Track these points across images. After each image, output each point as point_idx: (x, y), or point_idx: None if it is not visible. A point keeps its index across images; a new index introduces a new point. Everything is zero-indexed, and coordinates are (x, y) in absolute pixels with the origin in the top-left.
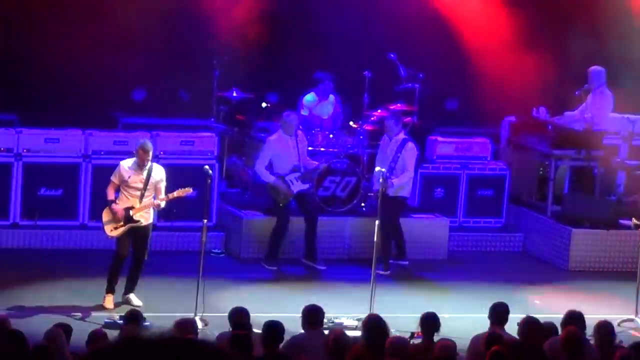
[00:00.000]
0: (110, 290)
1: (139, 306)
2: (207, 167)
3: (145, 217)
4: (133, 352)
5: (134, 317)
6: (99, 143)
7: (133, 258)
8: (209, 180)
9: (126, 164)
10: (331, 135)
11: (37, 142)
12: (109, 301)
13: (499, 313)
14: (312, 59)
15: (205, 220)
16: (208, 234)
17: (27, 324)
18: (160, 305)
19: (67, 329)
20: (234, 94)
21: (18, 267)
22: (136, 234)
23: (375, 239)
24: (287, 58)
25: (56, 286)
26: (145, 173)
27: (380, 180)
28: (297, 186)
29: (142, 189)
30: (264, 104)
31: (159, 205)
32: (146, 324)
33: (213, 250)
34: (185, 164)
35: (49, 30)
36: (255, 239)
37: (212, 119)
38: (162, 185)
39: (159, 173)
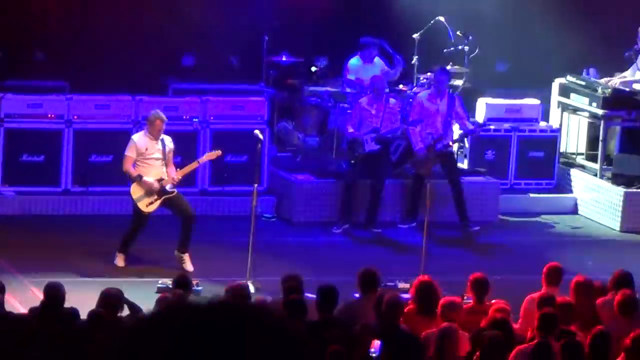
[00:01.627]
0: (125, 251)
1: (190, 271)
2: (257, 131)
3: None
4: (183, 317)
5: (185, 283)
6: (149, 109)
7: (183, 220)
8: (259, 145)
9: (139, 137)
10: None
11: (88, 109)
12: (121, 260)
13: (552, 274)
14: (361, 22)
15: (256, 185)
16: (259, 198)
17: (81, 290)
18: (212, 271)
19: (118, 295)
20: (283, 58)
21: (70, 234)
22: (172, 201)
23: (427, 200)
24: (336, 21)
25: (108, 252)
26: (159, 142)
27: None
28: (370, 146)
29: (162, 159)
30: (313, 68)
31: (184, 173)
32: (197, 289)
33: (264, 215)
34: (236, 128)
35: None
36: (306, 203)
37: (262, 84)
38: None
39: (169, 142)
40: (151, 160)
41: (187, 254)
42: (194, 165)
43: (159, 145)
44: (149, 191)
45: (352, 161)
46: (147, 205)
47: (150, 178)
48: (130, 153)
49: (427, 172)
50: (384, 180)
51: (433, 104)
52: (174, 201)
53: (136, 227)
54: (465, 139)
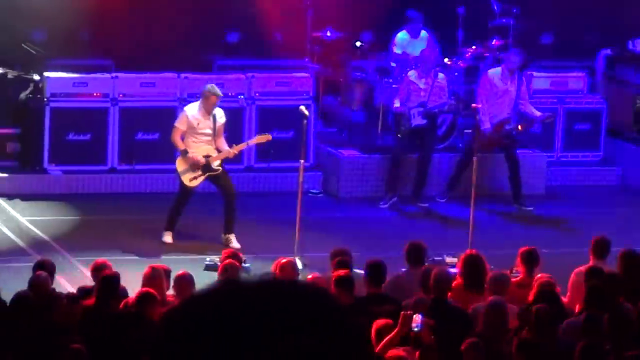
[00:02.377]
0: (172, 228)
1: (238, 248)
2: (303, 107)
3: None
4: (233, 294)
5: (232, 259)
6: (194, 86)
7: (225, 199)
8: (305, 121)
9: (191, 110)
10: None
11: (133, 87)
12: (169, 237)
13: (599, 247)
14: None
15: (302, 161)
16: (305, 174)
17: (127, 267)
18: (259, 247)
19: (166, 271)
20: (328, 34)
21: (117, 212)
22: (216, 178)
23: (474, 174)
24: None
25: (154, 230)
26: (211, 117)
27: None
28: (417, 120)
29: (212, 135)
30: (358, 43)
31: (234, 153)
32: (246, 265)
33: (311, 191)
34: (281, 105)
35: None
36: (352, 178)
37: (307, 59)
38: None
39: (222, 115)
40: (201, 135)
41: (232, 234)
42: (242, 146)
43: (211, 121)
44: (193, 166)
45: (399, 135)
46: (191, 180)
47: (196, 153)
48: (180, 125)
49: (487, 148)
50: (431, 155)
51: (503, 83)
52: (218, 178)
53: (180, 200)
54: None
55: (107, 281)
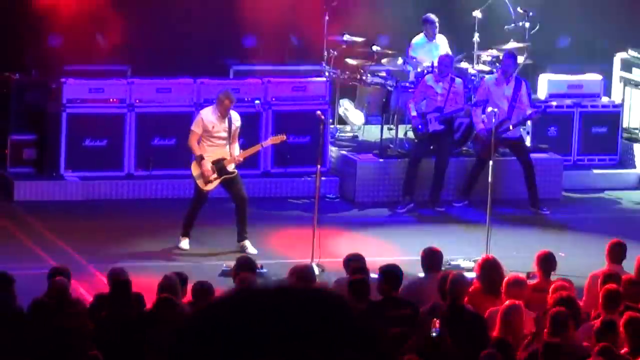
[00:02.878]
0: (188, 233)
1: (254, 254)
2: (319, 112)
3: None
4: (250, 301)
5: (248, 265)
6: (210, 91)
7: (237, 204)
8: (322, 126)
9: (207, 113)
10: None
11: (149, 92)
12: (186, 243)
13: (615, 251)
14: (422, 0)
15: (319, 166)
16: (322, 179)
17: (144, 274)
18: (276, 252)
19: (182, 279)
20: (345, 38)
21: (133, 218)
22: (230, 182)
23: (489, 179)
24: (396, 0)
25: (171, 236)
26: (226, 121)
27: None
28: (434, 126)
29: (227, 138)
30: (374, 47)
31: (239, 160)
32: (262, 271)
33: (328, 195)
34: (298, 109)
35: None
36: (369, 183)
37: (323, 64)
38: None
39: (237, 119)
40: (216, 138)
41: (246, 240)
42: (257, 148)
43: (226, 124)
44: (207, 171)
45: (416, 140)
46: (206, 184)
47: (210, 160)
48: (196, 128)
49: (486, 154)
50: (447, 159)
51: (499, 87)
52: (231, 183)
53: (196, 205)
54: (528, 122)
55: (119, 286)
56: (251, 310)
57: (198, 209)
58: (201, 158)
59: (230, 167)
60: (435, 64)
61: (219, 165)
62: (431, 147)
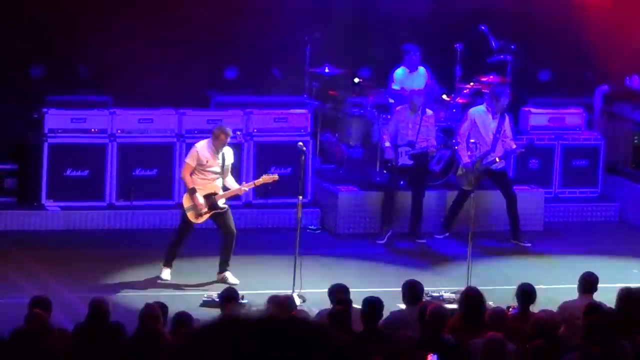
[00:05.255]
0: (170, 265)
1: (235, 284)
2: (301, 143)
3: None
4: (235, 331)
5: (231, 296)
6: (192, 122)
7: (224, 238)
8: (303, 157)
9: (203, 147)
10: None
11: (131, 123)
12: (167, 274)
13: (588, 282)
14: (403, 33)
15: (301, 197)
16: (304, 210)
17: (125, 304)
18: (257, 283)
19: (163, 308)
20: (326, 70)
21: (114, 248)
22: (220, 215)
23: (471, 211)
24: (378, 32)
25: (152, 266)
26: (220, 156)
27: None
28: (404, 159)
29: (220, 173)
30: (356, 79)
31: (243, 191)
32: (244, 301)
33: (309, 227)
34: (279, 141)
35: (141, 11)
36: (350, 215)
37: (305, 96)
38: (230, 167)
39: (230, 155)
40: (209, 173)
41: (227, 272)
42: (250, 185)
43: (220, 159)
44: (199, 205)
45: (385, 172)
46: (197, 217)
47: (202, 193)
48: (190, 161)
49: (470, 186)
50: (422, 193)
51: (487, 120)
52: (222, 216)
53: (181, 236)
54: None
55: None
56: (235, 340)
57: (183, 239)
58: (193, 191)
59: (221, 202)
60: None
61: (210, 200)
62: (402, 181)
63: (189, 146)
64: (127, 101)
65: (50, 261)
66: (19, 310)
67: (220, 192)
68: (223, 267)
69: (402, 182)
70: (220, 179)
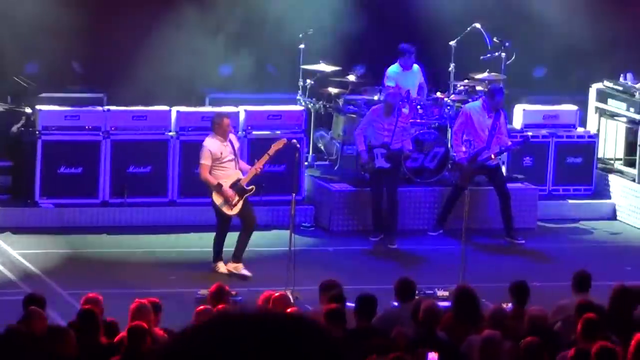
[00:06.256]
0: (220, 258)
1: (249, 276)
2: (295, 140)
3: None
4: (228, 327)
5: (221, 294)
6: (186, 119)
7: (247, 228)
8: (297, 154)
9: (210, 143)
10: (419, 107)
11: (125, 120)
12: (222, 266)
13: (582, 280)
14: (398, 30)
15: (294, 194)
16: (297, 207)
17: (118, 301)
18: (251, 281)
19: (155, 305)
20: (321, 67)
21: (108, 245)
22: (245, 205)
23: (465, 208)
24: (372, 30)
25: (146, 263)
26: (229, 144)
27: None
28: (380, 162)
29: (234, 158)
30: (350, 77)
31: (260, 168)
32: (237, 298)
33: (303, 224)
34: (273, 138)
35: (136, 9)
36: (344, 212)
37: (299, 93)
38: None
39: (235, 138)
40: (226, 163)
41: (241, 263)
42: (264, 159)
43: (229, 147)
44: (229, 197)
45: (363, 172)
46: (231, 209)
47: (227, 184)
48: (206, 161)
49: (465, 184)
50: (395, 196)
51: (482, 117)
52: (247, 205)
53: (223, 229)
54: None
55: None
56: (229, 337)
57: (225, 232)
58: (220, 186)
59: (246, 185)
60: (412, 93)
61: (237, 187)
62: (382, 182)
63: (183, 143)
64: (121, 98)
65: (44, 258)
66: (13, 308)
67: (242, 177)
68: (238, 256)
69: (380, 183)
70: (237, 165)
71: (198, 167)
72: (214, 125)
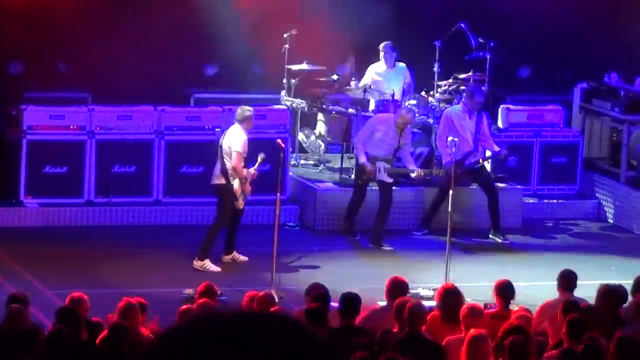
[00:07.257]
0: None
1: (245, 260)
2: (279, 140)
3: None
4: (210, 327)
5: (208, 292)
6: (171, 119)
7: (238, 219)
8: (282, 154)
9: (244, 135)
10: (415, 110)
11: (110, 120)
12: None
13: (567, 280)
14: (383, 30)
15: (279, 194)
16: (282, 207)
17: (103, 300)
18: (235, 280)
19: (141, 305)
20: (305, 67)
21: (93, 245)
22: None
23: (449, 209)
24: (357, 29)
25: (131, 262)
26: None
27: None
28: (382, 176)
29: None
30: (334, 76)
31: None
32: (222, 298)
33: (288, 224)
34: (258, 137)
35: (120, 8)
36: (329, 212)
37: (284, 92)
38: None
39: None
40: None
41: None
42: (260, 161)
43: None
44: (246, 192)
45: (359, 182)
46: (242, 203)
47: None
48: (243, 150)
49: (451, 186)
50: (389, 209)
51: (464, 119)
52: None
53: (236, 221)
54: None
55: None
56: (212, 336)
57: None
58: (246, 179)
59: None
60: (396, 94)
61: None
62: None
63: (168, 143)
64: (106, 98)
65: (28, 258)
66: None
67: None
68: (230, 248)
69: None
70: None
71: (231, 155)
72: (245, 118)
